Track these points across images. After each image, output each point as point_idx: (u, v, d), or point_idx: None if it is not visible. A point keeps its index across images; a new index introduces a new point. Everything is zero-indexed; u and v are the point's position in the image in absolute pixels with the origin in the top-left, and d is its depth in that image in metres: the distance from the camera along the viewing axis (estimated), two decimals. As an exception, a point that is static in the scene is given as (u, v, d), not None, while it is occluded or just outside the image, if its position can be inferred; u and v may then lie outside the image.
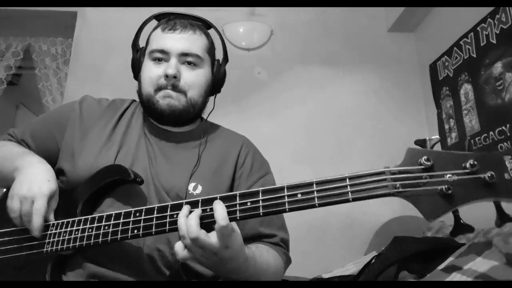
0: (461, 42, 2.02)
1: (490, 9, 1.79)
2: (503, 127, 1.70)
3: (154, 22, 1.05)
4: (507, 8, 1.69)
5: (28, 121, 1.10)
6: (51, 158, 0.96)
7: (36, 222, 0.81)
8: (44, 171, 0.88)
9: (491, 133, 1.77)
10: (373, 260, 1.51)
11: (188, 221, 0.69)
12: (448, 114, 2.14)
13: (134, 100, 1.08)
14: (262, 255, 0.85)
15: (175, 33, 0.96)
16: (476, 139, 1.88)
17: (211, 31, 1.08)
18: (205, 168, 0.96)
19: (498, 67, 1.74)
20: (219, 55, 1.09)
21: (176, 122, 1.00)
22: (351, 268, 1.79)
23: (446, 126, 2.16)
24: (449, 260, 1.26)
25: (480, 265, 1.13)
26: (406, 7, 2.31)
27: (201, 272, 0.89)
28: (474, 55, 1.92)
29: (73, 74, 2.40)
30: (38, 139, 1.01)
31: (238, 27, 2.46)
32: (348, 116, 2.39)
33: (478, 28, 1.89)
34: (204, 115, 1.08)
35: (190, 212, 0.72)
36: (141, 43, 1.06)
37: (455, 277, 1.14)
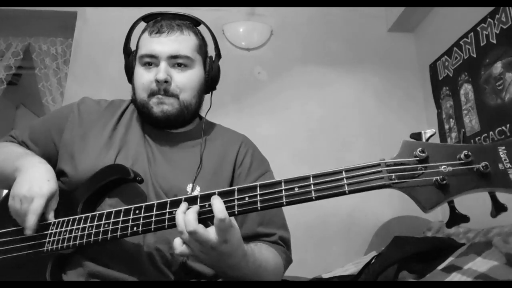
0: (461, 42, 2.02)
1: (490, 9, 1.79)
2: (503, 127, 1.70)
3: (144, 24, 1.03)
4: (507, 8, 1.69)
5: (28, 122, 1.10)
6: (51, 160, 0.96)
7: (29, 221, 0.81)
8: (44, 171, 0.88)
9: (491, 133, 1.77)
10: (373, 260, 1.51)
11: (186, 216, 0.69)
12: (448, 114, 2.14)
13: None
14: (262, 253, 0.85)
15: (162, 36, 0.95)
16: (476, 139, 1.88)
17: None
18: (204, 169, 0.96)
19: (498, 67, 1.74)
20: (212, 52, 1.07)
21: (173, 126, 1.00)
22: (351, 268, 1.79)
23: (446, 126, 2.16)
24: (449, 260, 1.26)
25: (480, 265, 1.13)
26: (406, 7, 2.31)
27: (202, 272, 0.89)
28: (474, 55, 1.92)
29: (73, 74, 2.40)
30: (37, 141, 1.01)
31: (238, 27, 2.46)
32: (348, 116, 2.39)
33: (478, 28, 1.89)
34: (202, 113, 1.07)
35: (188, 208, 0.72)
36: (133, 46, 1.04)
37: (455, 277, 1.14)
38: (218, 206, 0.68)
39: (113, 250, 0.85)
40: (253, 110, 2.38)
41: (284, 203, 0.67)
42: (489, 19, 1.81)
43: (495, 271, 1.06)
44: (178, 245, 0.71)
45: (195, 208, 0.71)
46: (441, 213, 2.20)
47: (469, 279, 1.09)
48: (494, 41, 1.77)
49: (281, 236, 0.96)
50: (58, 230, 0.84)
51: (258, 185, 0.70)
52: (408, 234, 1.59)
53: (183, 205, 0.72)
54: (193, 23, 1.03)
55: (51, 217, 0.86)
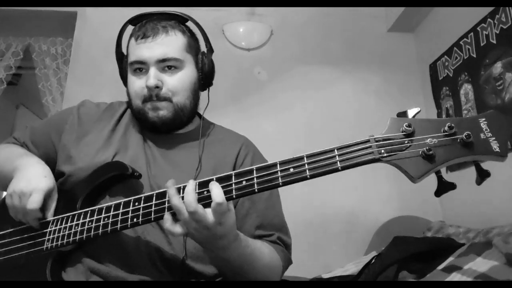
0: (461, 42, 2.02)
1: (490, 9, 1.79)
2: (503, 127, 1.70)
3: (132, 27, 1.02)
4: (507, 8, 1.69)
5: (28, 122, 1.12)
6: (51, 162, 0.97)
7: (31, 214, 0.84)
8: (41, 169, 0.89)
9: (491, 133, 1.77)
10: (373, 260, 1.51)
11: (186, 197, 0.71)
12: (448, 114, 2.14)
13: None
14: (256, 243, 0.85)
15: (148, 41, 0.94)
16: (476, 139, 1.88)
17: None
18: (203, 170, 0.95)
19: (498, 67, 1.74)
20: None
21: (171, 129, 1.00)
22: (351, 268, 1.79)
23: (446, 126, 2.16)
24: (449, 260, 1.26)
25: (480, 265, 1.13)
26: (406, 7, 2.31)
27: (202, 272, 0.89)
28: (474, 55, 1.92)
29: (73, 74, 2.40)
30: (37, 143, 1.02)
31: (238, 27, 2.46)
32: (348, 116, 2.39)
33: (478, 28, 1.89)
34: (202, 111, 1.07)
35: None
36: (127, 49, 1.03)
37: (455, 277, 1.14)
38: (216, 191, 0.70)
39: (113, 249, 0.85)
40: (253, 110, 2.38)
41: (280, 183, 0.70)
42: (489, 19, 1.81)
43: (495, 271, 1.06)
44: (169, 224, 0.72)
45: (192, 186, 0.72)
46: (441, 213, 2.20)
47: (469, 279, 1.09)
48: (494, 41, 1.77)
49: (280, 237, 0.96)
50: (58, 227, 0.84)
51: (254, 168, 0.72)
52: (408, 234, 1.58)
53: (173, 188, 0.73)
54: (180, 21, 1.01)
55: (50, 216, 0.86)
